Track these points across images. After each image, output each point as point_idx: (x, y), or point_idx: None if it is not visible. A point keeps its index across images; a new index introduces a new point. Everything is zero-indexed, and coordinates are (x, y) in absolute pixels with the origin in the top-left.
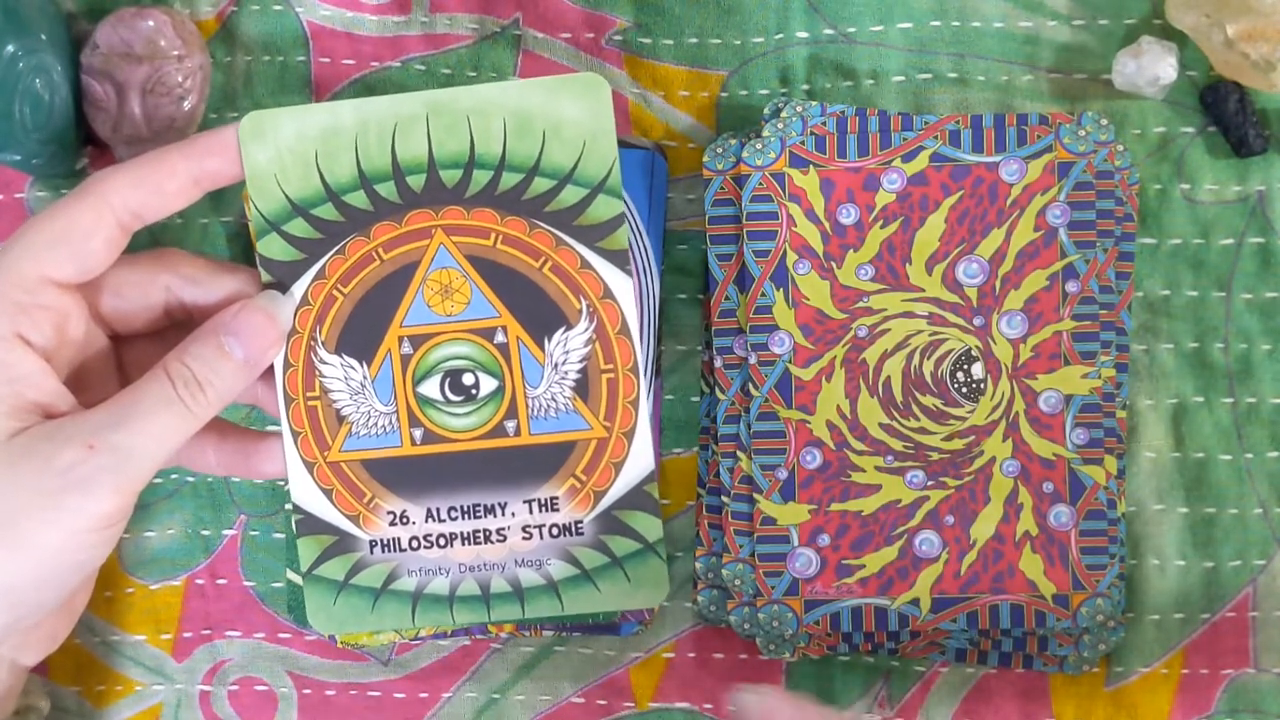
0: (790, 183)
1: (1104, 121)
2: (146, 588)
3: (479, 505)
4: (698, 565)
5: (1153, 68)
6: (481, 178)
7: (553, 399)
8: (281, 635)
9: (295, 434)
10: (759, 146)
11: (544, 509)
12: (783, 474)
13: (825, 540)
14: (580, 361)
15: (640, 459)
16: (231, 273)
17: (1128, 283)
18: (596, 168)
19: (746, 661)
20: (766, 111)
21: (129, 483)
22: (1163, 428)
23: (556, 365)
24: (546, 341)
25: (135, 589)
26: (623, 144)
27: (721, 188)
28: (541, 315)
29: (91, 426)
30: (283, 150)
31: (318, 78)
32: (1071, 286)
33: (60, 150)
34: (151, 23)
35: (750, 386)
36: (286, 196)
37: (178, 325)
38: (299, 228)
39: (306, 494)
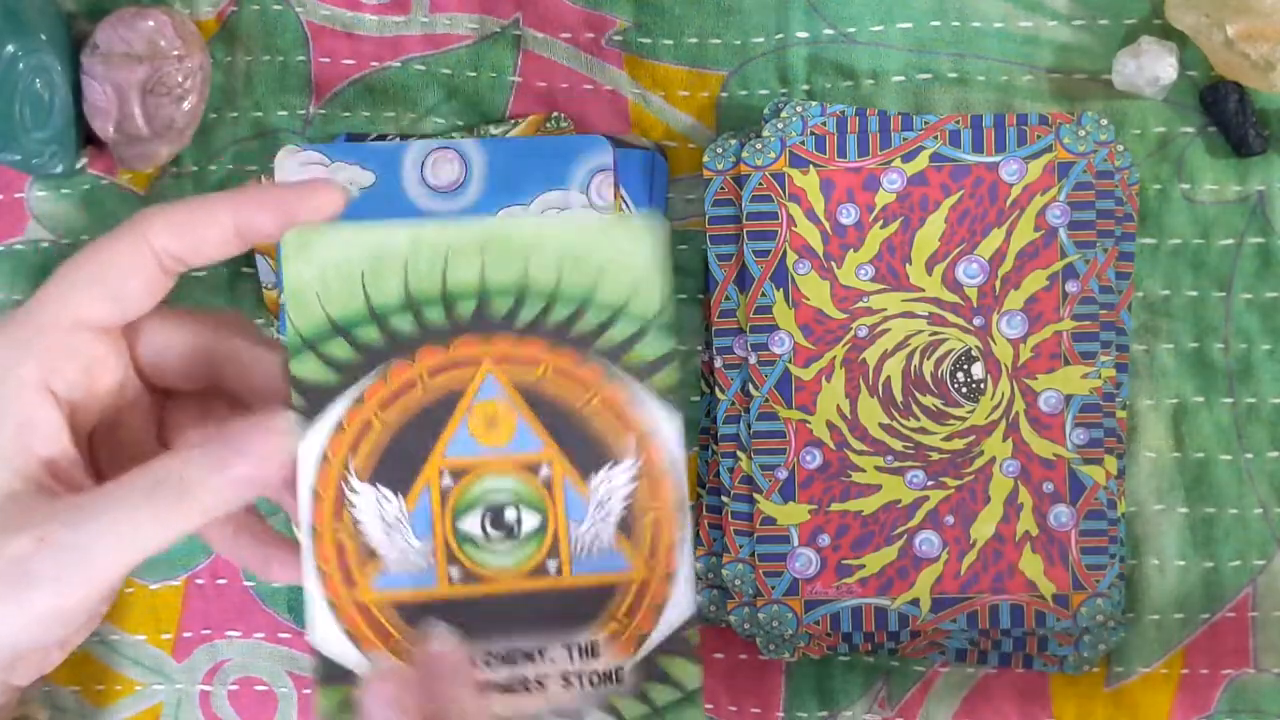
0: (790, 183)
1: (1104, 122)
2: (146, 588)
3: (517, 650)
4: (698, 565)
5: (1153, 68)
6: (533, 308)
7: (596, 536)
8: (281, 635)
9: (320, 573)
10: (759, 146)
11: (585, 655)
12: (782, 474)
13: (825, 540)
14: (625, 499)
15: (681, 603)
16: (275, 352)
17: (1128, 283)
18: (648, 305)
19: (746, 661)
20: (766, 111)
21: (80, 586)
22: (1163, 428)
23: (601, 502)
24: (591, 477)
25: (135, 589)
26: (623, 144)
27: (722, 188)
28: (587, 450)
29: (46, 517)
30: (327, 267)
31: (318, 78)
32: (1071, 286)
33: (60, 150)
34: (151, 23)
35: (750, 386)
36: (327, 315)
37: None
38: (338, 348)
39: (329, 638)
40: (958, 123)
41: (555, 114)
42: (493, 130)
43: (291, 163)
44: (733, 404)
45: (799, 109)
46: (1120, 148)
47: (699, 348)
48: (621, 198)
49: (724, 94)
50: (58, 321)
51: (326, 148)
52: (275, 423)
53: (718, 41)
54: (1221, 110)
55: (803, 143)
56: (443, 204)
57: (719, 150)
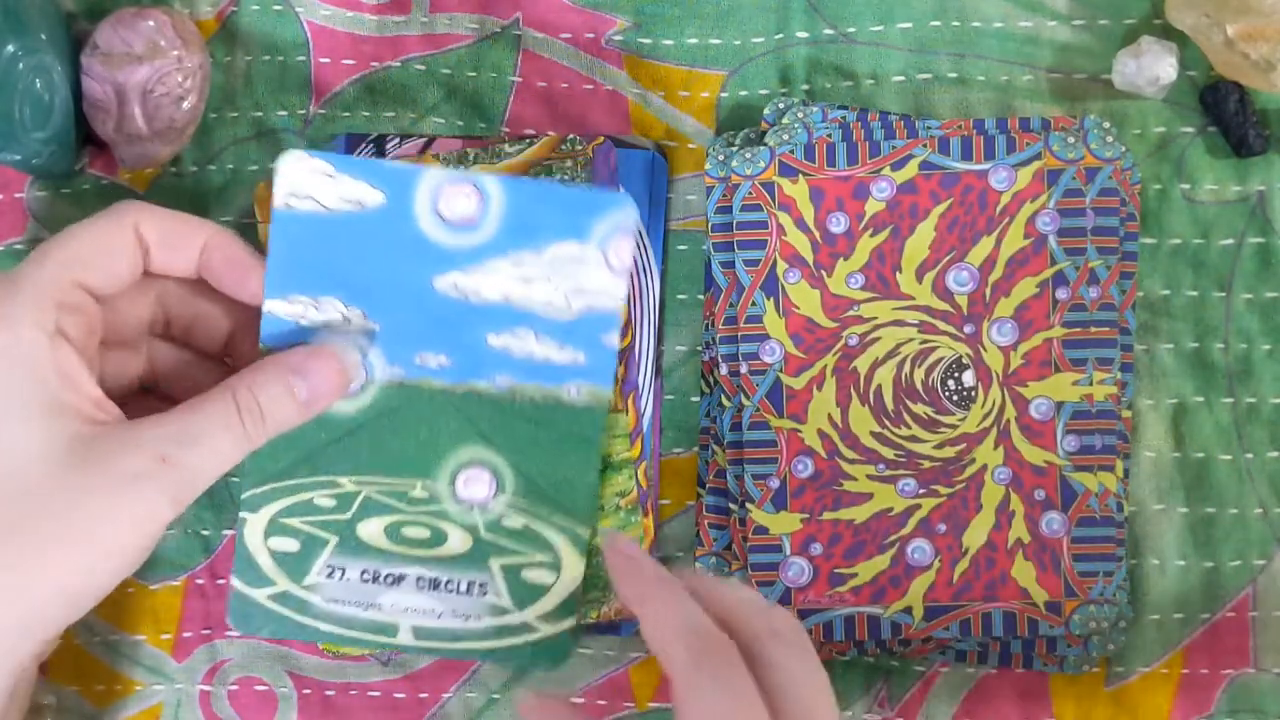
0: (780, 192)
1: (1109, 139)
2: (146, 588)
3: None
4: (698, 566)
5: (1153, 68)
6: None
7: None
8: None
9: None
10: (748, 156)
11: None
12: (775, 483)
13: (818, 549)
14: None
15: None
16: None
17: (1131, 282)
18: None
19: None
20: (768, 111)
21: (186, 497)
22: (1163, 428)
23: None
24: None
25: (135, 589)
26: (623, 144)
27: (724, 194)
28: None
29: (162, 438)
30: None
31: (318, 78)
32: (1061, 294)
33: (60, 150)
34: (151, 23)
35: (742, 396)
36: None
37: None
38: None
39: None
40: (960, 126)
41: (571, 137)
42: (508, 149)
43: (297, 171)
44: (738, 411)
45: (801, 115)
46: (1124, 148)
47: (699, 348)
48: None
49: (724, 94)
50: (61, 282)
51: (336, 158)
52: (333, 347)
53: (718, 41)
54: (1221, 110)
55: (792, 151)
56: (454, 238)
57: (720, 157)
